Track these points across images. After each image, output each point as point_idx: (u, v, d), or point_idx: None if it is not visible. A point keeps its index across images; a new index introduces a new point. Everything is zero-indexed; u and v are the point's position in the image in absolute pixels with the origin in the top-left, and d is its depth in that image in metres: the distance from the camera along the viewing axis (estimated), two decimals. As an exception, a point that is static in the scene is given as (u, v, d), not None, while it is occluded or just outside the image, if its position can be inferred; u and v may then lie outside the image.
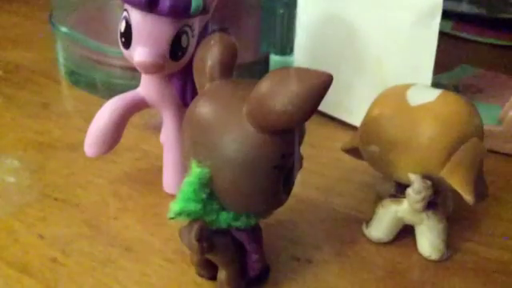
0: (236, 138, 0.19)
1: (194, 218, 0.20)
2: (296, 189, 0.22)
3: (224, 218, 0.21)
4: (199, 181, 0.20)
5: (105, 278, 0.24)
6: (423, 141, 0.24)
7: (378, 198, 0.27)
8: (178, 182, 0.20)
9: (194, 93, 0.25)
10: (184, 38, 0.25)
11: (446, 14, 0.60)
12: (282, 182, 0.20)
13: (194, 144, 0.20)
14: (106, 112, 0.27)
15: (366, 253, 0.26)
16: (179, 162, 0.28)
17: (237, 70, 0.22)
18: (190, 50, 0.25)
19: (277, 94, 0.18)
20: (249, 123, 0.19)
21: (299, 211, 0.29)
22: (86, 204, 0.29)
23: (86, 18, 0.39)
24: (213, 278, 0.23)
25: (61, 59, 0.43)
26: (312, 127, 0.23)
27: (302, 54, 0.39)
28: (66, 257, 0.25)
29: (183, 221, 0.20)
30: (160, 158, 0.29)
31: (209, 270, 0.23)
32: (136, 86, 0.28)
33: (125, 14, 0.25)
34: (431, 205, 0.25)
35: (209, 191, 0.20)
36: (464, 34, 0.58)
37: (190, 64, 0.24)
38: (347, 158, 0.29)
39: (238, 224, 0.21)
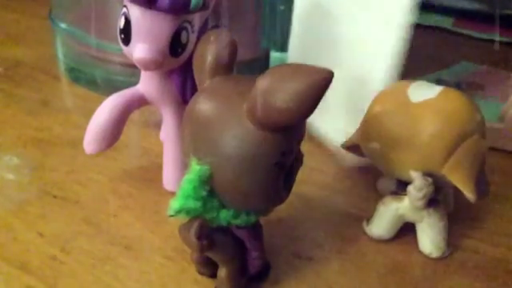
0: (236, 135, 0.19)
1: (194, 215, 0.20)
2: (296, 186, 0.22)
3: (224, 216, 0.21)
4: (199, 178, 0.19)
5: (104, 275, 0.24)
6: (424, 138, 0.24)
7: (379, 196, 0.27)
8: (178, 180, 0.20)
9: (194, 89, 0.24)
10: (184, 35, 0.25)
11: (447, 11, 0.61)
12: (283, 180, 0.20)
13: (194, 141, 0.20)
14: (106, 109, 0.27)
15: (366, 250, 0.26)
16: (179, 160, 0.28)
17: (237, 67, 0.22)
18: (190, 46, 0.25)
19: (277, 90, 0.18)
20: (249, 120, 0.19)
21: (300, 209, 0.29)
22: (86, 201, 0.28)
23: (86, 15, 0.39)
24: (213, 275, 0.23)
25: (60, 56, 0.43)
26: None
27: (295, 50, 0.38)
28: (65, 254, 0.25)
29: (183, 218, 0.20)
30: (160, 155, 0.29)
31: (209, 267, 0.23)
32: (136, 83, 0.28)
33: (124, 10, 0.24)
34: (432, 202, 0.25)
35: (209, 189, 0.20)
36: (465, 31, 0.58)
37: (189, 60, 0.24)
38: (348, 155, 0.29)
39: (238, 221, 0.21)
